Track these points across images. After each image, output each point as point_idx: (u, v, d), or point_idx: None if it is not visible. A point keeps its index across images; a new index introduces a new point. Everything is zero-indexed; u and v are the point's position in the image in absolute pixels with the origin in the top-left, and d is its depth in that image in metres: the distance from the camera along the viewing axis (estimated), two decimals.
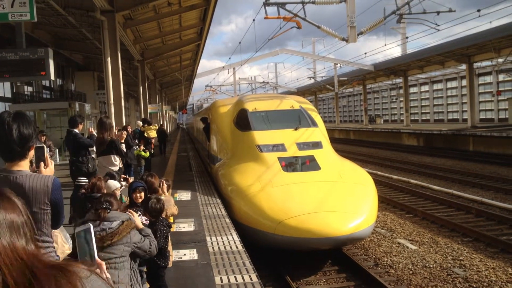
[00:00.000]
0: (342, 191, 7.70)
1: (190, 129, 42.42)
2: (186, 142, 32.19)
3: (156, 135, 16.60)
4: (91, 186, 4.50)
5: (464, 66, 29.71)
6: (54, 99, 22.10)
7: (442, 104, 42.19)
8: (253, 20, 21.36)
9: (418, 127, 33.38)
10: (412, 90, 43.75)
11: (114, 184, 4.57)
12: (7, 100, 18.53)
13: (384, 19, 15.46)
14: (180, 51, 28.36)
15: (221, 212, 8.08)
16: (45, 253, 2.42)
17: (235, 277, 4.92)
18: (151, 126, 15.64)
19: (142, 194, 4.38)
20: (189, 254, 5.72)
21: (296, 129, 9.64)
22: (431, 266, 7.21)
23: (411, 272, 7.01)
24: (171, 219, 5.60)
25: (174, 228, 6.81)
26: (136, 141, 12.00)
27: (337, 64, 39.46)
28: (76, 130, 7.37)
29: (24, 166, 2.45)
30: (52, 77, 9.20)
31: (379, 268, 7.24)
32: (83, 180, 6.54)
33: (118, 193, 4.56)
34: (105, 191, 4.30)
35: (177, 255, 5.63)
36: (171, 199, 5.46)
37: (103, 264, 1.44)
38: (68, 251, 3.92)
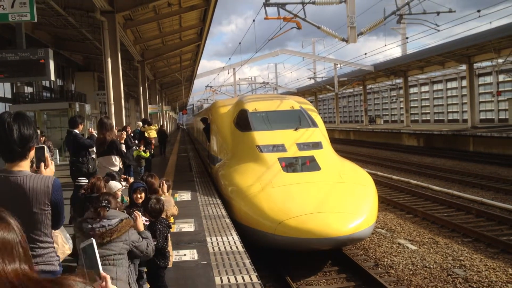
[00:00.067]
0: (342, 191, 7.70)
1: (190, 130, 42.44)
2: (186, 142, 32.18)
3: (156, 136, 16.61)
4: (91, 186, 4.51)
5: (464, 67, 29.71)
6: (54, 99, 22.14)
7: (442, 105, 42.16)
8: (253, 20, 21.39)
9: (418, 127, 33.35)
10: (412, 90, 43.74)
11: (115, 185, 4.58)
12: (7, 100, 18.55)
13: (384, 20, 15.47)
14: (180, 52, 28.37)
15: (221, 212, 8.08)
16: (42, 261, 2.42)
17: (235, 277, 4.92)
18: (151, 127, 15.66)
19: (143, 194, 4.41)
20: (189, 255, 5.73)
21: (296, 129, 9.64)
22: (431, 266, 7.21)
23: (411, 272, 7.01)
24: (171, 220, 5.60)
25: (174, 229, 6.81)
26: (136, 141, 11.99)
27: (337, 64, 39.46)
28: (76, 131, 7.37)
29: (24, 166, 2.45)
30: (52, 77, 9.21)
31: (379, 269, 7.24)
32: (83, 181, 6.56)
33: (119, 194, 4.56)
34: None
35: (177, 255, 5.63)
36: (171, 200, 5.46)
37: (108, 277, 1.46)
38: (69, 252, 3.92)
